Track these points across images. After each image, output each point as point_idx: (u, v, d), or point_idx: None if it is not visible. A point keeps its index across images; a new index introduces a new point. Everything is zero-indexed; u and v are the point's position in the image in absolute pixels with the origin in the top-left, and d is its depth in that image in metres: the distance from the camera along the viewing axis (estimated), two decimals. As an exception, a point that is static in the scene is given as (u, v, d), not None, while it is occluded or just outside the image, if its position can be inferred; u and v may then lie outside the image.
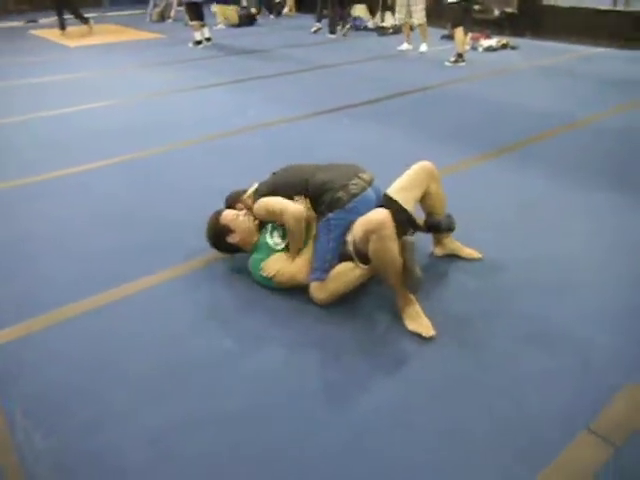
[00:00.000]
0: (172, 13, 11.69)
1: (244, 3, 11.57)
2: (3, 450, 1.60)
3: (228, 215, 2.39)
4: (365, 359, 1.93)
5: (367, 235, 1.97)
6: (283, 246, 2.31)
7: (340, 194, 2.13)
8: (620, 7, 10.15)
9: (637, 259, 2.51)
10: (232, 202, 2.54)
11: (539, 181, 3.39)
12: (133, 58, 7.82)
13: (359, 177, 2.20)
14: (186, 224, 2.83)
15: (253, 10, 11.45)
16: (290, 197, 2.25)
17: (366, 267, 2.10)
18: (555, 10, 10.01)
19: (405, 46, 7.94)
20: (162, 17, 11.67)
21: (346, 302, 2.19)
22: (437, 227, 2.33)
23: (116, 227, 2.92)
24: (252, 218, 2.39)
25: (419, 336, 2.00)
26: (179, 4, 11.84)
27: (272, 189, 2.35)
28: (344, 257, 2.15)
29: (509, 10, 9.64)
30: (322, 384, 1.84)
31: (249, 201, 2.46)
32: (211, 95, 5.71)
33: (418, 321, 2.03)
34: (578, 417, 1.64)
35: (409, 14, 7.44)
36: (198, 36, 8.56)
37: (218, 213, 2.43)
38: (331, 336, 2.04)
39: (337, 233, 2.13)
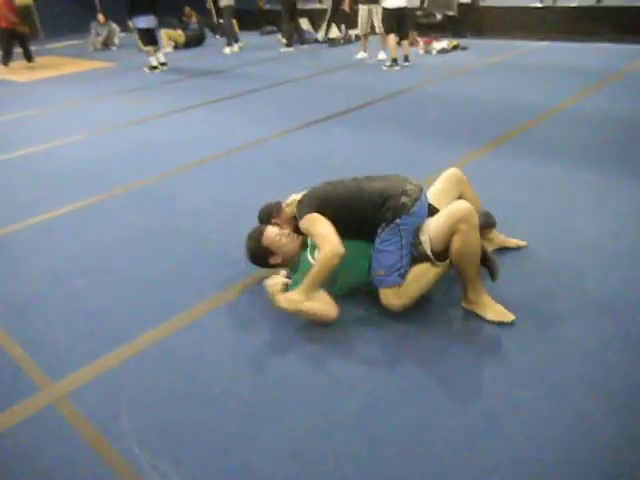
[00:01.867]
0: (116, 40, 11.49)
1: (192, 25, 11.51)
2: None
3: (270, 235, 2.31)
4: (464, 353, 2.01)
5: (456, 226, 2.01)
6: None
7: (404, 199, 2.15)
8: (548, 3, 10.91)
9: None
10: (268, 216, 2.48)
11: (539, 167, 3.63)
12: (92, 88, 7.65)
13: (411, 183, 2.24)
14: (221, 243, 2.84)
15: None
16: (342, 210, 2.23)
17: (443, 264, 2.14)
18: (492, 10, 10.62)
19: (361, 54, 8.21)
20: (106, 45, 11.44)
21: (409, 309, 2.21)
22: (481, 225, 2.46)
23: (150, 255, 2.89)
24: (295, 235, 2.36)
25: (499, 324, 2.11)
26: (122, 30, 11.70)
27: (322, 202, 2.27)
28: (415, 260, 2.18)
29: (450, 13, 10.13)
30: (435, 382, 1.89)
31: (288, 210, 2.43)
32: (191, 118, 5.69)
33: (495, 309, 2.13)
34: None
35: (371, 25, 7.74)
36: (154, 61, 8.49)
37: (260, 233, 2.33)
38: (418, 342, 2.09)
39: (408, 238, 2.15)
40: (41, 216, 3.48)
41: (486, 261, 2.12)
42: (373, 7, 7.57)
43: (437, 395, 1.83)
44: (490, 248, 2.58)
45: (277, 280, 2.18)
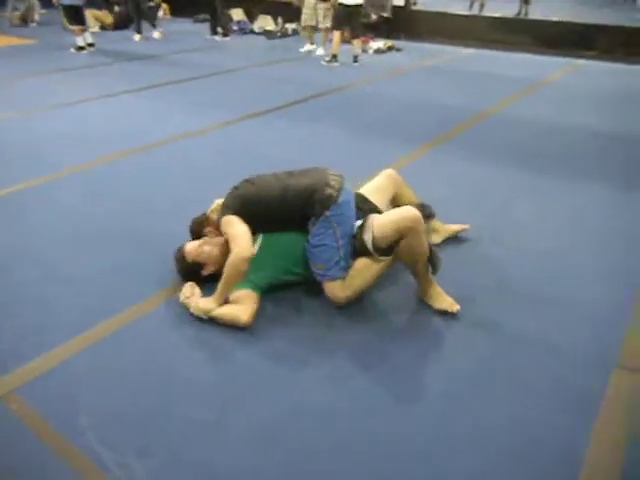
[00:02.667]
0: (36, 16, 10.73)
1: (116, 9, 10.98)
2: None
3: (191, 251, 2.28)
4: (408, 346, 2.05)
5: (403, 232, 2.06)
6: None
7: (328, 191, 2.15)
8: (475, 12, 11.47)
9: (575, 218, 3.02)
10: (198, 228, 2.43)
11: (476, 165, 3.85)
12: (13, 66, 7.09)
13: (332, 174, 2.26)
14: (165, 235, 2.72)
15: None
16: (267, 209, 2.22)
17: (387, 259, 2.18)
18: (423, 15, 11.01)
19: (308, 47, 8.21)
20: (24, 21, 10.65)
21: (359, 300, 2.24)
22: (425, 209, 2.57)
23: (90, 247, 2.75)
24: (219, 239, 2.30)
25: (444, 312, 2.19)
26: (43, 6, 10.94)
27: (244, 202, 2.24)
28: (357, 253, 2.20)
29: (385, 15, 10.38)
30: (378, 377, 1.91)
31: (214, 217, 2.38)
32: (125, 103, 5.44)
33: (442, 299, 2.21)
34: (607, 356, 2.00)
35: (314, 18, 7.76)
36: (80, 41, 8.02)
37: (181, 253, 2.31)
38: (363, 332, 2.11)
39: (343, 229, 2.16)
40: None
41: (430, 256, 2.18)
42: (319, 3, 7.62)
43: (378, 392, 1.86)
44: (439, 239, 2.72)
45: (188, 288, 2.23)
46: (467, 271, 2.53)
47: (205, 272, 2.30)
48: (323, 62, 7.37)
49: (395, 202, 2.61)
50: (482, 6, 12.26)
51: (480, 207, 3.20)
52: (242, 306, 2.10)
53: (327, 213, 2.14)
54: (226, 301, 2.15)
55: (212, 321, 2.12)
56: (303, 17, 8.03)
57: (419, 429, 1.69)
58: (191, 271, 2.30)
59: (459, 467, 1.56)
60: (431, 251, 2.20)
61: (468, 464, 1.57)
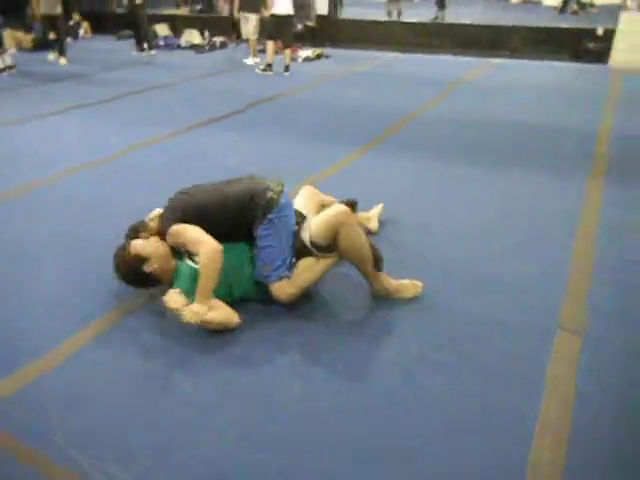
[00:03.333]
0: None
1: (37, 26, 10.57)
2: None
3: (137, 243, 2.23)
4: (360, 338, 2.14)
5: (336, 228, 2.13)
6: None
7: (269, 194, 2.22)
8: (395, 18, 11.97)
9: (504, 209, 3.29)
10: (135, 232, 2.35)
11: (413, 161, 4.07)
12: None
13: (271, 180, 2.34)
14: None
15: (51, 35, 10.52)
16: (208, 218, 2.23)
17: (331, 255, 2.24)
18: (346, 23, 11.37)
19: (251, 60, 8.28)
20: None
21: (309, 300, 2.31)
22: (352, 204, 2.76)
23: (45, 264, 2.70)
24: (164, 242, 2.26)
25: (417, 295, 2.33)
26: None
27: (185, 212, 2.24)
28: (301, 254, 2.26)
29: (310, 24, 10.65)
30: (334, 371, 1.99)
31: (153, 225, 2.35)
32: (59, 123, 5.29)
33: (406, 288, 2.33)
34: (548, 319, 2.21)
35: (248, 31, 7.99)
36: (-1, 63, 7.71)
37: (123, 247, 2.25)
38: (315, 332, 2.17)
39: (286, 231, 2.23)
40: None
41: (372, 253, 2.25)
42: (249, 15, 7.84)
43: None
44: (374, 224, 2.89)
45: (175, 295, 2.13)
46: (410, 260, 2.70)
47: (147, 268, 2.19)
48: (258, 70, 7.48)
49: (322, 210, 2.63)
50: (399, 13, 12.81)
51: (420, 199, 3.41)
52: (227, 309, 2.14)
53: (269, 216, 2.21)
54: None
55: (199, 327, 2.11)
56: (242, 31, 8.18)
57: (374, 403, 1.83)
58: (132, 265, 2.19)
59: (412, 437, 1.70)
60: (372, 249, 2.26)
61: (424, 433, 1.71)
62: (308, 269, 2.25)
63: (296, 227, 2.31)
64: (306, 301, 2.31)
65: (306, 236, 2.23)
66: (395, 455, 1.64)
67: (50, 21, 8.44)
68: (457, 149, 4.37)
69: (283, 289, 2.20)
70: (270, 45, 7.35)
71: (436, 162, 4.06)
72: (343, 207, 2.22)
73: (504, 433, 1.71)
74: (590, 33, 8.88)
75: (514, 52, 9.33)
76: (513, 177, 3.75)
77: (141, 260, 2.20)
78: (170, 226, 2.22)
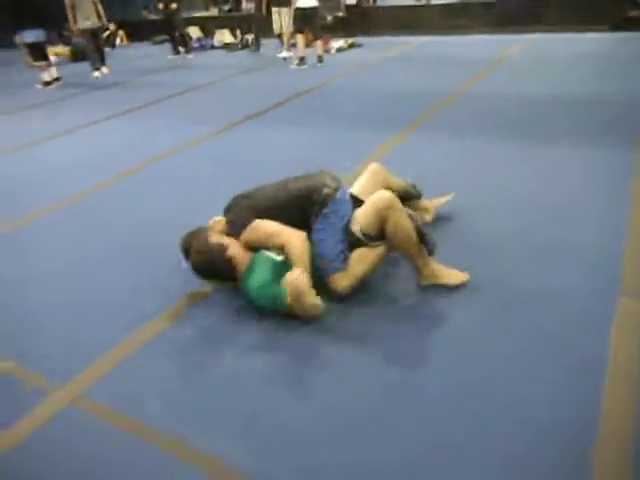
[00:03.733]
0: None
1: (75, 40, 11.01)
2: None
3: (213, 233, 2.33)
4: (411, 323, 2.14)
5: (382, 213, 2.18)
6: (284, 257, 2.24)
7: (326, 191, 2.33)
8: (424, 2, 11.86)
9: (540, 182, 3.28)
10: (194, 239, 2.36)
11: (459, 141, 4.09)
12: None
13: (329, 176, 2.43)
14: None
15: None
16: (276, 217, 2.31)
17: (380, 245, 2.27)
18: (375, 10, 11.36)
19: (285, 54, 8.42)
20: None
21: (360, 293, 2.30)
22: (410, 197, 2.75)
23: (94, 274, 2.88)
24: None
25: (460, 285, 2.29)
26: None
27: (258, 212, 2.34)
28: (353, 246, 2.29)
29: (340, 14, 10.68)
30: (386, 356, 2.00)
31: (218, 228, 2.42)
32: (112, 128, 5.54)
33: (451, 275, 2.31)
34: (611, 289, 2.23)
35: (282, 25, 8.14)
36: (47, 77, 8.07)
37: (200, 233, 2.32)
38: (379, 321, 2.16)
39: (340, 225, 2.30)
40: None
41: (422, 237, 2.26)
42: (282, 9, 7.97)
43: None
44: (429, 216, 2.84)
45: (298, 273, 2.10)
46: (462, 241, 2.75)
47: (228, 253, 2.26)
48: (293, 66, 7.58)
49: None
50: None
51: (466, 176, 3.43)
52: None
53: (325, 210, 2.30)
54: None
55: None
56: (274, 26, 8.29)
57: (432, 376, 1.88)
58: (213, 251, 2.24)
59: (469, 416, 1.74)
60: (424, 234, 2.27)
61: (479, 412, 1.73)
62: (362, 260, 2.28)
63: (348, 219, 2.33)
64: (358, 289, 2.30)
65: (356, 228, 2.28)
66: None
67: (89, 34, 8.42)
68: (503, 126, 4.34)
69: (339, 282, 2.26)
70: (300, 38, 7.44)
71: (483, 141, 4.06)
72: (386, 193, 2.25)
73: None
74: (630, 1, 8.58)
75: (551, 26, 9.11)
76: (561, 150, 3.72)
77: (221, 245, 2.26)
78: (247, 225, 2.31)
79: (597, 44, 7.64)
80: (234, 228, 2.36)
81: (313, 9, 7.30)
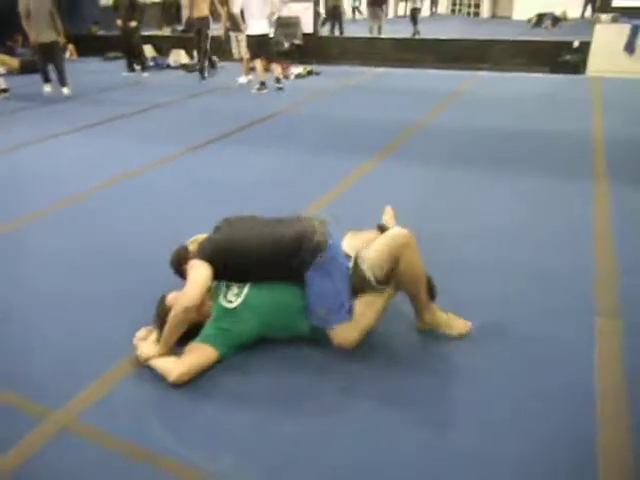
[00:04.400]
0: None
1: (19, 50, 10.61)
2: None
3: (171, 296, 2.20)
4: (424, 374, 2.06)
5: (398, 250, 2.02)
6: (234, 305, 2.12)
7: (318, 237, 2.12)
8: (375, 34, 12.34)
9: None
10: (180, 261, 2.30)
11: (424, 169, 4.28)
12: None
13: (316, 220, 2.24)
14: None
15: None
16: (242, 261, 2.17)
17: (386, 289, 2.13)
18: (331, 40, 11.69)
19: (243, 79, 8.42)
20: None
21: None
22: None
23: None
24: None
25: (464, 336, 2.20)
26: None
27: (214, 250, 2.18)
28: (354, 293, 2.14)
29: (296, 42, 10.89)
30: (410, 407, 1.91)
31: (192, 249, 2.30)
32: (68, 143, 5.35)
33: (455, 324, 2.21)
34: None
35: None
36: (-7, 87, 7.71)
37: (163, 299, 2.22)
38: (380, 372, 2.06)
39: (339, 272, 2.12)
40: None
41: (427, 280, 2.18)
42: (239, 35, 8.07)
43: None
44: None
45: (144, 332, 2.18)
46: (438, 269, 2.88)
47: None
48: (253, 91, 7.63)
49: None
50: (380, 29, 13.20)
51: (435, 207, 3.59)
52: (179, 362, 2.01)
53: (319, 260, 2.09)
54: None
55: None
56: (234, 51, 8.36)
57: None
58: (163, 315, 2.14)
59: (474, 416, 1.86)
60: (429, 277, 2.18)
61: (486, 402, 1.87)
62: (369, 308, 2.11)
63: (349, 265, 2.18)
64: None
65: (368, 268, 2.09)
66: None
67: (42, 49, 7.74)
68: (466, 157, 4.59)
69: (345, 335, 2.06)
70: (258, 63, 7.54)
71: (448, 170, 4.26)
72: (403, 230, 2.10)
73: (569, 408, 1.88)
74: (567, 45, 9.32)
75: (495, 65, 9.70)
76: (523, 181, 3.97)
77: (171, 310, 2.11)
78: (195, 258, 2.19)
79: (541, 83, 8.19)
80: (197, 254, 2.22)
81: (263, 36, 7.39)
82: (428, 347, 2.21)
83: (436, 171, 4.25)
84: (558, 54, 9.26)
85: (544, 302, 2.46)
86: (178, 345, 2.10)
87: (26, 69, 10.06)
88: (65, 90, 7.89)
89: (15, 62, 10.06)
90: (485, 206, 3.57)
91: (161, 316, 2.15)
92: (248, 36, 7.41)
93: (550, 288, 2.57)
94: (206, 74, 8.90)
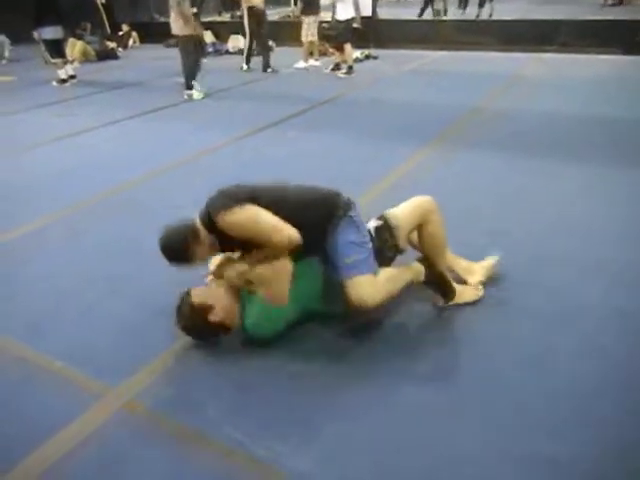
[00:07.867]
0: (7, 53, 10.67)
1: (87, 37, 11.03)
2: None
3: (197, 292, 2.06)
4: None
5: (426, 215, 2.17)
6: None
7: (345, 197, 2.14)
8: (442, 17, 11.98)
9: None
10: (184, 244, 2.03)
11: (483, 156, 4.12)
12: (1, 104, 7.08)
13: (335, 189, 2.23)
14: None
15: (110, 44, 10.97)
16: (292, 210, 2.02)
17: (410, 270, 2.18)
18: (390, 23, 11.46)
19: (302, 64, 8.54)
20: (-5, 58, 10.57)
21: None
22: None
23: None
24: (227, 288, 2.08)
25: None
26: (12, 43, 10.89)
27: (256, 190, 2.04)
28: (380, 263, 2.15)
29: (355, 25, 10.75)
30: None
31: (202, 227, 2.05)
32: (133, 128, 5.54)
33: (465, 291, 2.29)
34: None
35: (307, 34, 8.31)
36: (63, 74, 8.04)
37: (187, 295, 2.05)
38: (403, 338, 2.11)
39: (365, 230, 2.13)
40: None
41: (443, 284, 2.25)
42: (311, 17, 8.25)
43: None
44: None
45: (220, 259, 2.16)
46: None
47: (212, 318, 2.01)
48: (341, 74, 7.70)
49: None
50: (446, 11, 12.84)
51: (495, 192, 3.45)
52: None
53: (350, 213, 2.09)
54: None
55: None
56: (303, 33, 8.39)
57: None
58: (197, 317, 2.01)
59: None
60: (445, 280, 2.22)
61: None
62: (397, 276, 2.14)
63: (370, 226, 2.22)
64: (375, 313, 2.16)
65: (393, 223, 2.18)
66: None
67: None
68: (530, 144, 4.40)
69: (366, 287, 1.98)
70: (348, 48, 7.58)
71: (509, 158, 4.09)
72: (428, 197, 2.24)
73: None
74: (643, 24, 8.74)
75: (563, 47, 9.23)
76: (590, 169, 3.76)
77: (206, 309, 2.01)
78: (232, 208, 1.92)
79: (613, 65, 7.74)
80: (216, 210, 1.95)
81: (349, 21, 7.49)
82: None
83: (493, 157, 4.07)
84: (633, 34, 8.69)
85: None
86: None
87: (102, 57, 10.48)
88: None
89: (92, 51, 10.47)
90: (540, 195, 3.40)
91: (185, 314, 2.04)
92: (337, 21, 7.42)
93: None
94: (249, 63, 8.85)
